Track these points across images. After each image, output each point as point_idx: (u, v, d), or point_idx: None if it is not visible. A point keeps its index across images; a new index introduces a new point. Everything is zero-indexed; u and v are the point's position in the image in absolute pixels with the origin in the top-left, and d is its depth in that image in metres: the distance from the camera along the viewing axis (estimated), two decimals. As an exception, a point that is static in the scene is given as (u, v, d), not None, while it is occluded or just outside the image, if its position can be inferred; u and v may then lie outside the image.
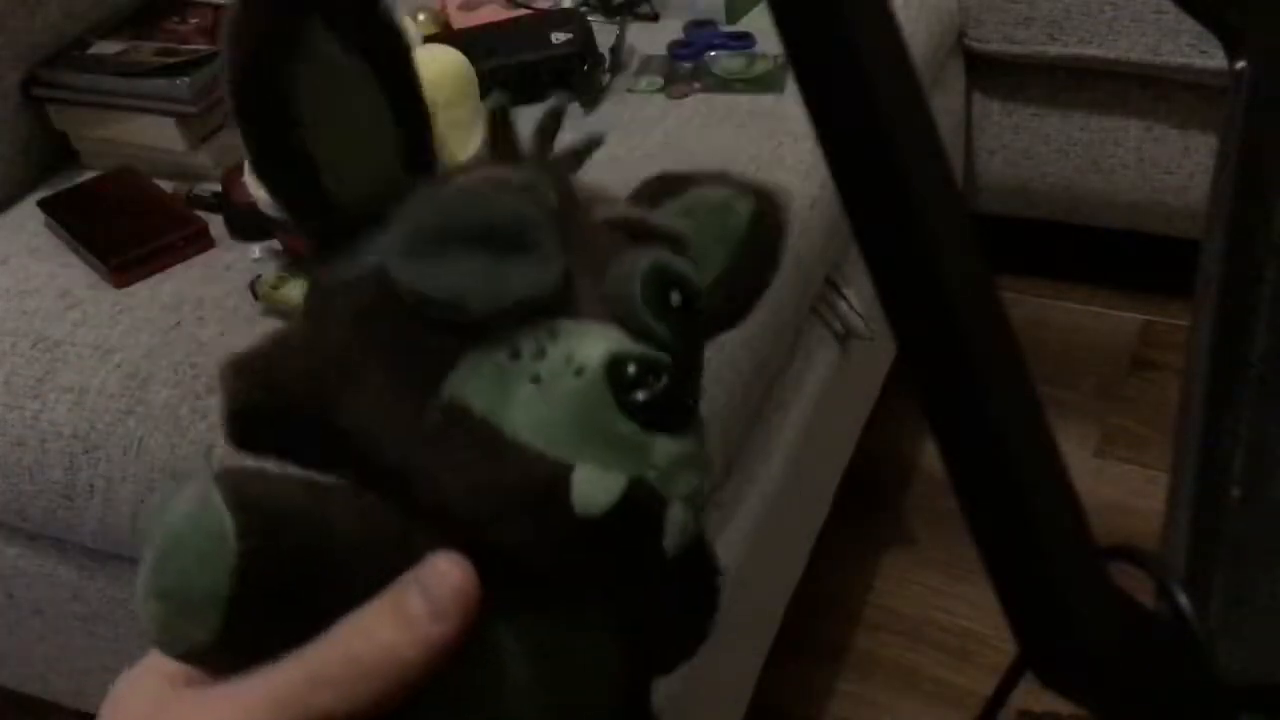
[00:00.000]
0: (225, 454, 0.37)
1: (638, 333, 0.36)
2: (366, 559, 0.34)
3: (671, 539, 0.35)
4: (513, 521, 0.34)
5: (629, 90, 1.33)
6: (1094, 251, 1.81)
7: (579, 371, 0.34)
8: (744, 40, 1.37)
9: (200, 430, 0.99)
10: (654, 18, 1.45)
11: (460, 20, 1.44)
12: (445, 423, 0.34)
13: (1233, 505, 0.48)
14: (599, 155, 0.42)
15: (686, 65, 1.36)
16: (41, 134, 1.32)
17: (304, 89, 0.35)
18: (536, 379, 0.34)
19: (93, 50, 1.32)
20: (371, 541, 0.35)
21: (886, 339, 0.35)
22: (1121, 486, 1.51)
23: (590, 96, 1.31)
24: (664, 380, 0.35)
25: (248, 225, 1.14)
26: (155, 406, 1.01)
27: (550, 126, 0.41)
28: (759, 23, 1.40)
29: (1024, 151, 1.66)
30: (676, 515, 0.35)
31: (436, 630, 0.33)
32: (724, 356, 1.03)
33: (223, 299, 1.10)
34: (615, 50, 1.36)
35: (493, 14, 1.44)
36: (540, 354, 0.35)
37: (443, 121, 0.93)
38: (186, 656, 0.34)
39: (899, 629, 1.43)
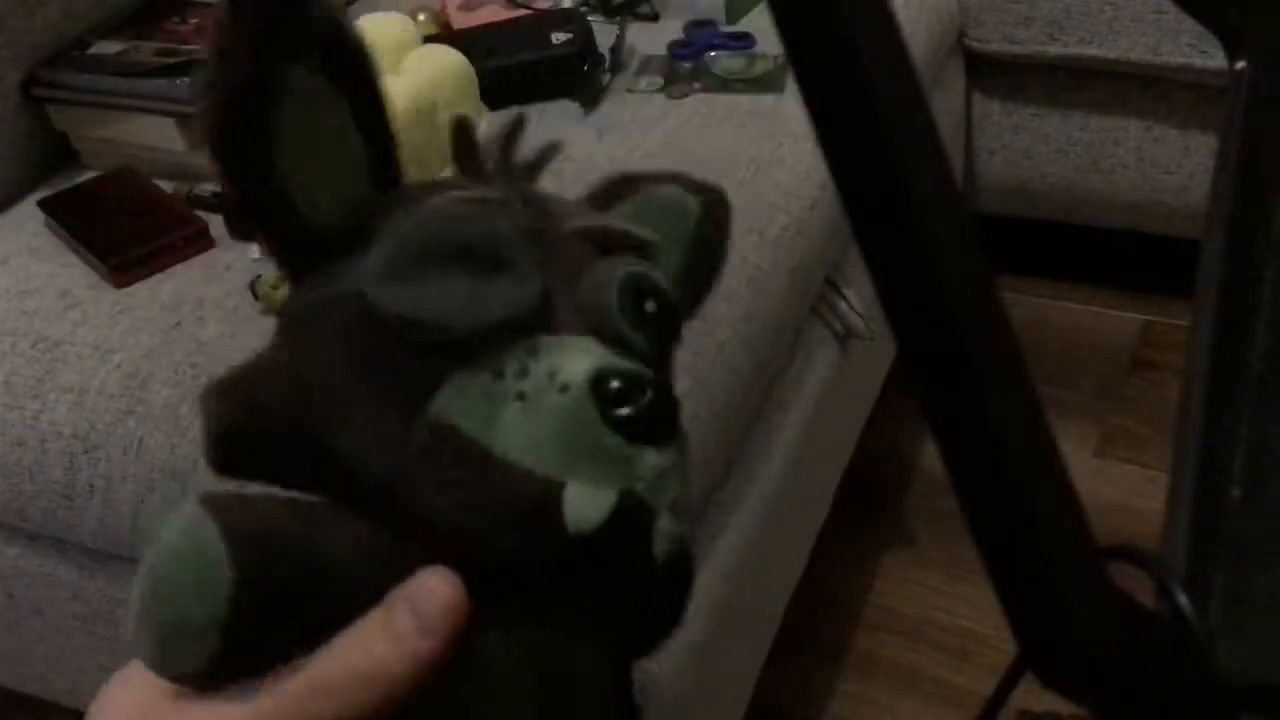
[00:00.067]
0: (205, 478, 0.37)
1: (614, 342, 0.37)
2: (357, 579, 0.35)
3: (661, 548, 0.36)
4: (504, 538, 0.34)
5: (629, 90, 1.33)
6: (1094, 251, 1.81)
7: (564, 389, 0.35)
8: (744, 40, 1.37)
9: (200, 430, 0.99)
10: (654, 18, 1.45)
11: (460, 20, 1.44)
12: (433, 442, 0.35)
13: (1233, 505, 0.48)
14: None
15: (686, 65, 1.36)
16: (41, 134, 1.32)
17: (284, 126, 0.36)
18: (521, 396, 0.35)
19: (93, 50, 1.32)
20: (361, 562, 0.35)
21: (886, 339, 0.35)
22: (1121, 486, 1.51)
23: (590, 97, 1.30)
24: (648, 394, 0.35)
25: (248, 225, 1.13)
26: (155, 406, 1.01)
27: (512, 136, 0.41)
28: (759, 23, 1.40)
29: (1024, 151, 1.66)
30: (665, 525, 0.36)
31: (425, 645, 0.34)
32: (724, 356, 1.03)
33: (223, 299, 1.10)
34: (615, 50, 1.36)
35: (493, 14, 1.44)
36: (523, 372, 0.35)
37: (443, 122, 0.93)
38: (180, 679, 0.35)
39: (899, 629, 1.43)
